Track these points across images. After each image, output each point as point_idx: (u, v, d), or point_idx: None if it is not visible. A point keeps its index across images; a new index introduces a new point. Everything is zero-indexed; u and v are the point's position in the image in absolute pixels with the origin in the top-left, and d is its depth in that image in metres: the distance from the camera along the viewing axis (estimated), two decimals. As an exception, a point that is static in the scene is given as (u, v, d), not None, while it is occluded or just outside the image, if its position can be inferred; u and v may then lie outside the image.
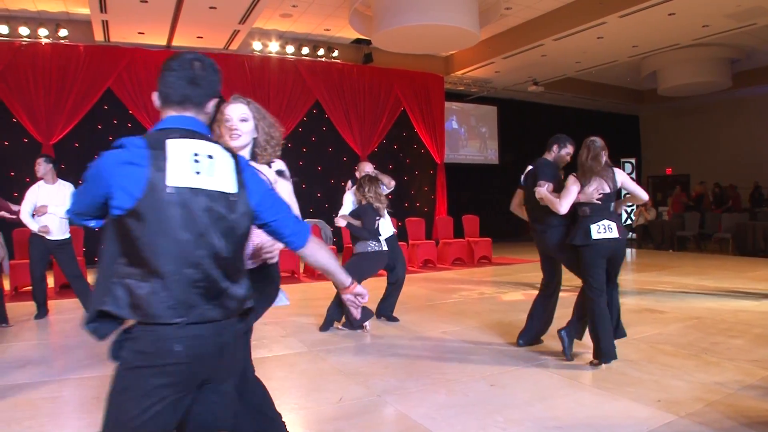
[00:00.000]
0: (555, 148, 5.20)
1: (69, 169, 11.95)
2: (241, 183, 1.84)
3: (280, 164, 2.87)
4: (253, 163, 2.59)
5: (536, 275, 7.94)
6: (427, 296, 8.34)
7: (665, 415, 3.49)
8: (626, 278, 7.85)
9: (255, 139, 2.79)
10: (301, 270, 10.47)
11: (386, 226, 6.47)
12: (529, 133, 18.47)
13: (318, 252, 2.13)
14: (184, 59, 1.90)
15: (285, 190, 2.80)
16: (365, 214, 6.04)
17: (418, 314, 7.00)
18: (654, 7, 10.47)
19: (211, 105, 1.93)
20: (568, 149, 5.19)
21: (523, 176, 5.32)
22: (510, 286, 8.94)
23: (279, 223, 1.98)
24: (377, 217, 6.08)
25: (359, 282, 5.24)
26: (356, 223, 6.05)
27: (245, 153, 2.82)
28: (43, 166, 6.58)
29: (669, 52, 14.18)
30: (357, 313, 2.40)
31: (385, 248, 6.17)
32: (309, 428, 3.51)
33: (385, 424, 3.55)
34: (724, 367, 4.49)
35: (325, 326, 6.18)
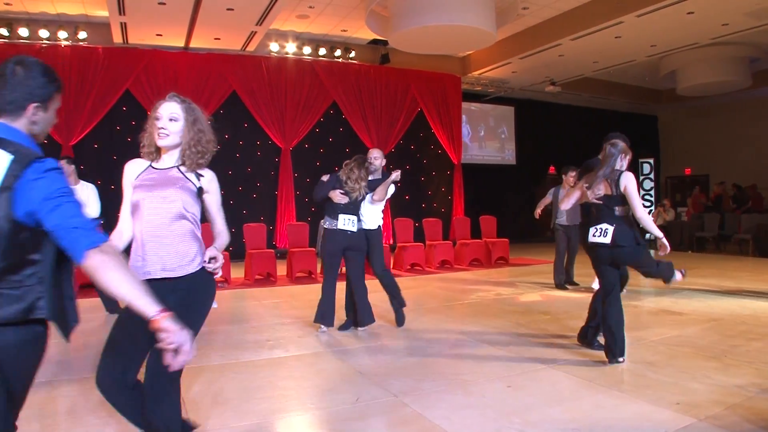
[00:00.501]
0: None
1: (88, 170, 12.13)
2: (7, 185, 1.70)
3: (208, 175, 2.83)
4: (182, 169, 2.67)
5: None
6: (444, 297, 8.33)
7: (684, 418, 3.47)
8: (644, 279, 7.77)
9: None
10: (318, 270, 10.47)
11: (370, 216, 6.28)
12: (546, 133, 18.42)
13: (102, 271, 1.78)
14: (4, 63, 1.86)
15: (212, 200, 2.82)
16: (323, 184, 6.09)
17: (435, 315, 7.00)
18: (672, 6, 10.36)
19: (32, 110, 1.87)
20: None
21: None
22: (527, 287, 8.90)
23: (58, 232, 1.75)
24: (347, 200, 5.96)
25: (323, 257, 5.31)
26: (339, 198, 5.96)
27: (174, 154, 2.80)
28: (65, 168, 6.66)
29: (688, 51, 14.04)
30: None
31: (346, 228, 5.94)
32: (325, 428, 3.53)
33: (402, 424, 3.54)
34: (744, 370, 4.45)
35: (344, 326, 6.21)
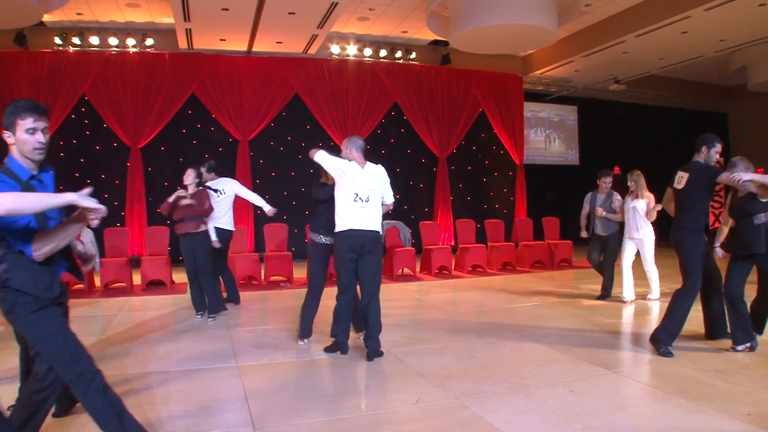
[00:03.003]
0: (704, 149, 5.26)
1: (155, 172, 12.61)
2: None
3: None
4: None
5: (616, 279, 7.78)
6: (506, 299, 8.27)
7: (755, 430, 3.35)
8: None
9: None
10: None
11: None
12: (611, 133, 17.98)
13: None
14: None
15: None
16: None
17: (497, 317, 6.96)
18: (743, -3, 9.97)
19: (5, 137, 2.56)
20: (717, 148, 5.26)
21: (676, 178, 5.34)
22: (591, 290, 8.71)
23: None
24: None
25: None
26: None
27: None
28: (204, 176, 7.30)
29: (759, 45, 13.41)
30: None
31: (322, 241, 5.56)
32: (385, 429, 3.57)
33: (462, 427, 3.55)
34: (822, 380, 4.26)
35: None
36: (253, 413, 3.79)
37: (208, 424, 3.60)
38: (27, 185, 2.72)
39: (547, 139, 17.44)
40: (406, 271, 10.73)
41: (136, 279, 9.34)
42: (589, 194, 8.33)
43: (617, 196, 7.93)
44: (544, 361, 4.94)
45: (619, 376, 4.49)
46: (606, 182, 8.08)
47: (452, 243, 13.67)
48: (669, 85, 17.42)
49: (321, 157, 5.31)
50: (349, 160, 5.27)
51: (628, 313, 7.14)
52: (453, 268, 11.25)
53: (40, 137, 2.76)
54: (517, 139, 15.72)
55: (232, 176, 10.10)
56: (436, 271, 10.90)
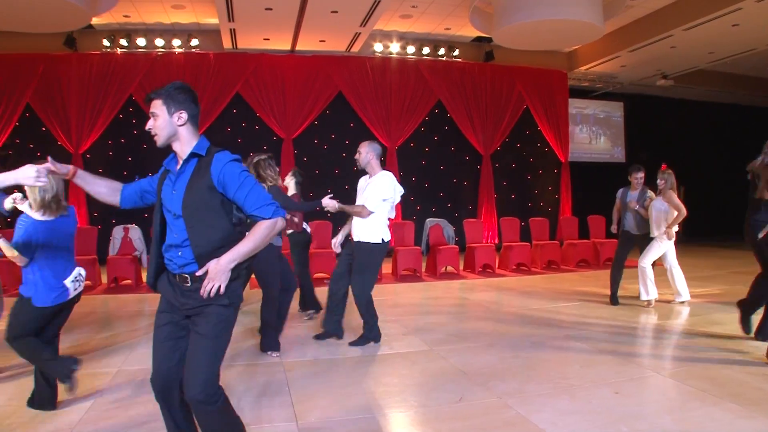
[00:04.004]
0: None
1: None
2: None
3: None
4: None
5: (664, 279, 7.62)
6: (551, 298, 8.19)
7: (808, 435, 3.27)
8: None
9: None
10: (423, 269, 10.57)
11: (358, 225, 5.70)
12: (658, 129, 17.55)
13: None
14: None
15: None
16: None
17: (541, 316, 6.91)
18: (800, -13, 9.62)
19: None
20: None
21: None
22: (638, 290, 8.56)
23: None
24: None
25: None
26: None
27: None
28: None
29: (816, 37, 12.97)
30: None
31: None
32: (428, 427, 3.59)
33: (505, 426, 3.55)
34: None
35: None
36: (296, 408, 3.85)
37: (252, 419, 3.68)
38: None
39: (593, 136, 17.16)
40: (450, 269, 10.72)
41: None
42: (621, 190, 8.06)
43: (650, 194, 7.63)
44: (589, 362, 4.89)
45: (665, 379, 4.42)
46: (637, 178, 7.71)
47: (496, 241, 13.59)
48: (719, 79, 16.90)
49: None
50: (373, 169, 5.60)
51: (677, 313, 6.99)
52: (497, 266, 11.19)
53: None
54: (562, 137, 15.53)
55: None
56: (480, 269, 10.86)
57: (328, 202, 5.52)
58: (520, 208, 14.77)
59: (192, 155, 2.70)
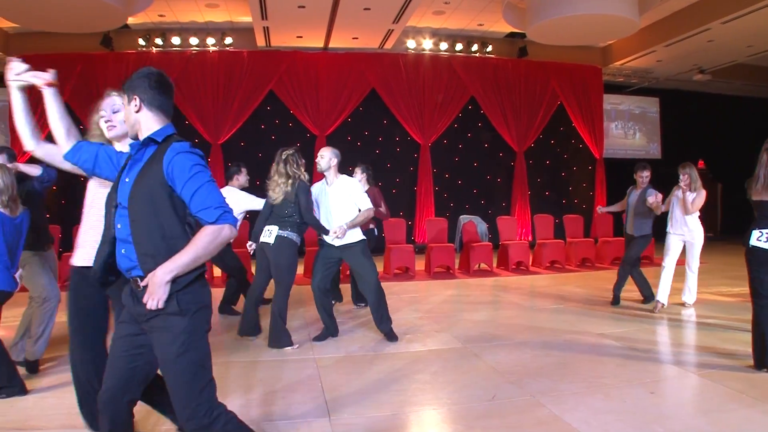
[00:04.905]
0: None
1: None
2: None
3: None
4: None
5: (701, 277, 7.50)
6: (585, 295, 8.13)
7: None
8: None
9: None
10: (456, 266, 10.56)
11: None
12: (695, 125, 17.15)
13: None
14: None
15: None
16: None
17: (575, 314, 6.86)
18: None
19: None
20: None
21: None
22: (673, 288, 8.43)
23: None
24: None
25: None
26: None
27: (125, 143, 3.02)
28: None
29: None
30: None
31: (265, 240, 5.48)
32: (460, 424, 3.61)
33: (538, 425, 3.55)
34: None
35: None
36: (329, 404, 3.90)
37: (286, 413, 3.75)
38: None
39: (628, 132, 16.92)
40: (483, 266, 10.69)
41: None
42: (630, 188, 7.97)
43: (652, 190, 7.47)
44: (624, 361, 4.85)
45: (701, 379, 4.36)
46: (643, 176, 7.58)
47: (530, 238, 13.51)
48: (758, 74, 16.46)
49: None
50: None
51: (712, 312, 6.88)
52: (530, 263, 11.13)
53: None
54: (597, 133, 15.34)
55: (310, 170, 10.31)
56: (513, 266, 10.81)
57: (337, 233, 5.43)
58: (555, 205, 14.64)
59: (148, 140, 2.40)
